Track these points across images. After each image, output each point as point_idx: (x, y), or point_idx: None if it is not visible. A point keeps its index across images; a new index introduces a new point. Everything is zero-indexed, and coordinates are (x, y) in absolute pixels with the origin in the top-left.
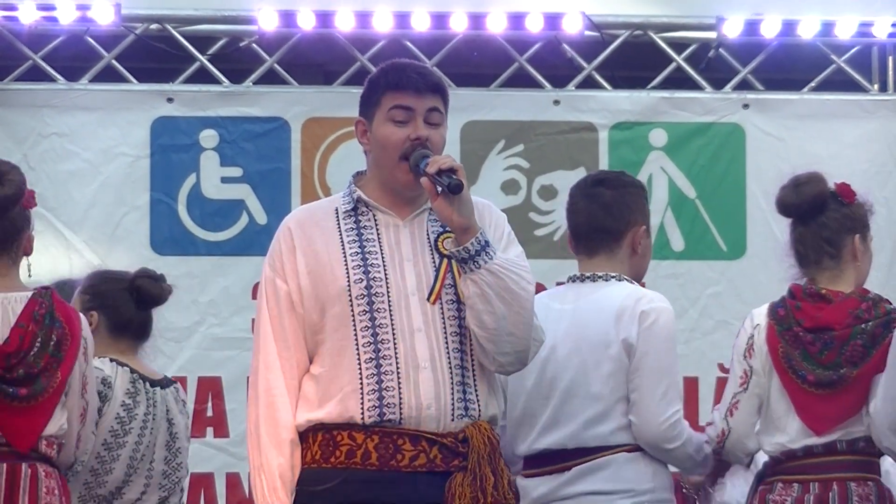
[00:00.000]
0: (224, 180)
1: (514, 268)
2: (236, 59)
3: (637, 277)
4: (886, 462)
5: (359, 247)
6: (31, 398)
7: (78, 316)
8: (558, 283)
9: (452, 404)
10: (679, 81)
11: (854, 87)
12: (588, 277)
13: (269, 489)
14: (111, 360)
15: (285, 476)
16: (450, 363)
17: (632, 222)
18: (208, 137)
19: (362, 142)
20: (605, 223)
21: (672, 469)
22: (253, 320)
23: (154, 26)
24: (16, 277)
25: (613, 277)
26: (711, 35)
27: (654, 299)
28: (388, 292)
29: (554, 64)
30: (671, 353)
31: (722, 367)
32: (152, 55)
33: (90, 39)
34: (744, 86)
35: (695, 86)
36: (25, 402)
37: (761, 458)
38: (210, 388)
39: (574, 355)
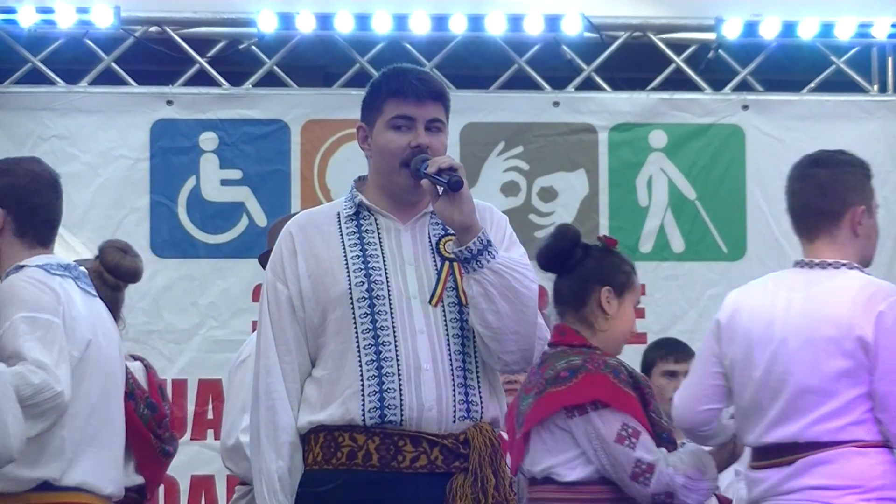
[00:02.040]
0: (224, 183)
1: (516, 266)
2: (236, 61)
3: (864, 262)
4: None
5: (360, 250)
6: (172, 456)
7: None
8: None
9: (454, 406)
10: (678, 83)
11: (853, 87)
12: (817, 264)
13: (269, 492)
14: None
15: (284, 479)
16: (451, 365)
17: (849, 202)
18: (208, 140)
19: (363, 147)
20: (821, 204)
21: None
22: (253, 322)
23: (153, 29)
24: None
25: (844, 265)
26: (711, 36)
27: (891, 293)
28: (389, 295)
29: (553, 65)
30: None
31: None
32: (152, 58)
33: (89, 42)
34: (743, 87)
35: (694, 87)
36: (170, 458)
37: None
38: (210, 391)
39: (806, 350)
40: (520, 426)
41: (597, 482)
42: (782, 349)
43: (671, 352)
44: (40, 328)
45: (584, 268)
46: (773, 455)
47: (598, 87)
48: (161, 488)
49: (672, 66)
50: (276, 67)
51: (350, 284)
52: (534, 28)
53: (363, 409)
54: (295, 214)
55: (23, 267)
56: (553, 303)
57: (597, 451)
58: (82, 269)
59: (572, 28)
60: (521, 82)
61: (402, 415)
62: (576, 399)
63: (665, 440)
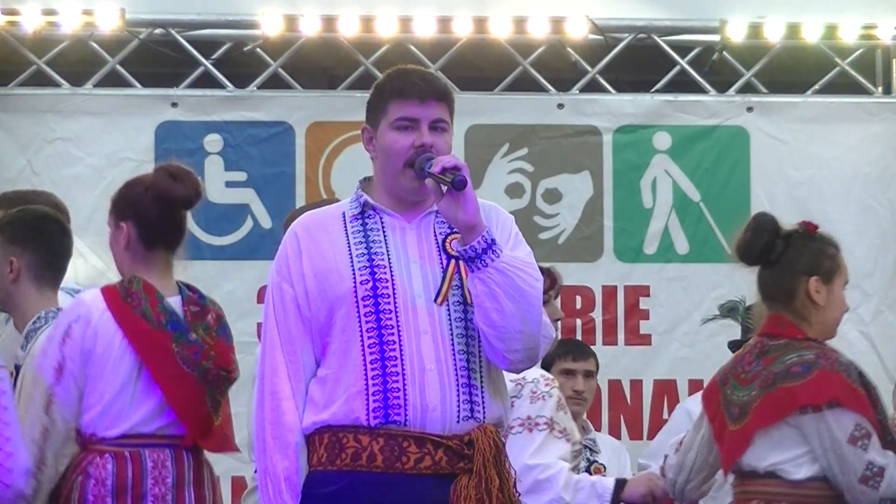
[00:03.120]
0: (228, 185)
1: (521, 265)
2: (240, 63)
3: None
4: None
5: (365, 248)
6: None
7: None
8: None
9: (458, 406)
10: (683, 85)
11: (858, 89)
12: None
13: (275, 493)
14: None
15: (291, 479)
16: (455, 365)
17: None
18: (213, 142)
19: (368, 149)
20: None
21: None
22: (258, 324)
23: (158, 31)
24: None
25: None
26: (715, 38)
27: None
28: (394, 294)
29: (558, 67)
30: None
31: None
32: (157, 60)
33: (94, 44)
34: (747, 89)
35: (698, 89)
36: None
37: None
38: None
39: None
40: (733, 415)
41: (821, 478)
42: None
43: (570, 351)
44: None
45: (787, 259)
46: None
47: (602, 90)
48: None
49: (676, 69)
50: (280, 69)
51: (355, 283)
52: (538, 30)
53: (367, 409)
54: (311, 206)
55: None
56: (760, 296)
57: (826, 451)
58: None
59: (577, 30)
60: (525, 84)
61: (405, 415)
62: (812, 397)
63: (891, 443)
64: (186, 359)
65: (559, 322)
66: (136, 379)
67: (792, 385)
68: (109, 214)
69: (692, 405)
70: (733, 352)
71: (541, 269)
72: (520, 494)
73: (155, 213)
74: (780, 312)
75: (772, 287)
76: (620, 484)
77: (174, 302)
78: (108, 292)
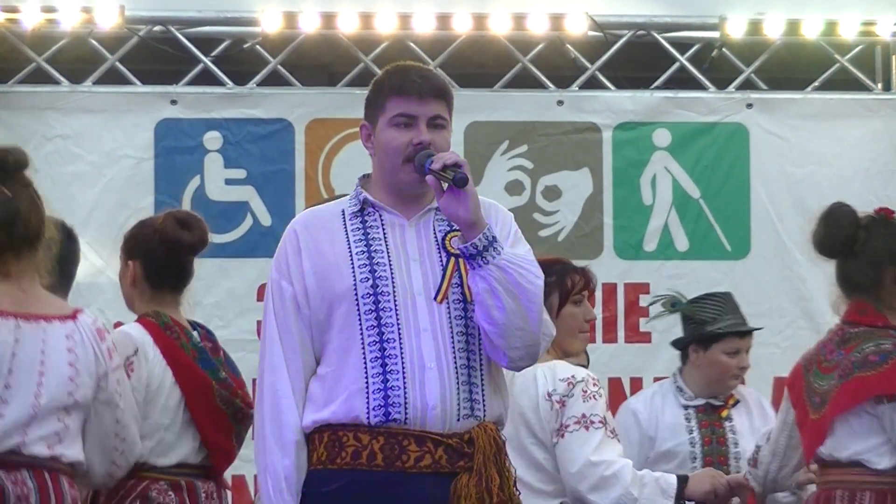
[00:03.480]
0: (228, 182)
1: (521, 262)
2: (240, 60)
3: None
4: None
5: (365, 246)
6: None
7: None
8: None
9: (458, 404)
10: (682, 81)
11: (857, 86)
12: None
13: (275, 491)
14: None
15: (290, 478)
16: (455, 363)
17: None
18: (212, 139)
19: (367, 146)
20: None
21: None
22: (258, 322)
23: (158, 28)
24: None
25: None
26: (714, 35)
27: None
28: (393, 292)
29: (557, 64)
30: None
31: None
32: (156, 57)
33: (94, 41)
34: (747, 85)
35: (698, 86)
36: None
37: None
38: None
39: None
40: (814, 404)
41: None
42: None
43: None
44: None
45: (870, 248)
46: None
47: (602, 86)
48: None
49: (676, 65)
50: (280, 66)
51: (355, 280)
52: (538, 27)
53: (367, 407)
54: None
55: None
56: (841, 287)
57: None
58: None
59: (576, 27)
60: (525, 81)
61: (406, 413)
62: (885, 386)
63: None
64: (223, 397)
65: (590, 322)
66: (183, 411)
67: (867, 374)
68: (121, 249)
69: (637, 405)
70: (677, 349)
71: (575, 268)
72: (518, 493)
73: (161, 256)
74: (862, 300)
75: (854, 278)
76: (682, 480)
77: (195, 337)
78: (149, 326)
